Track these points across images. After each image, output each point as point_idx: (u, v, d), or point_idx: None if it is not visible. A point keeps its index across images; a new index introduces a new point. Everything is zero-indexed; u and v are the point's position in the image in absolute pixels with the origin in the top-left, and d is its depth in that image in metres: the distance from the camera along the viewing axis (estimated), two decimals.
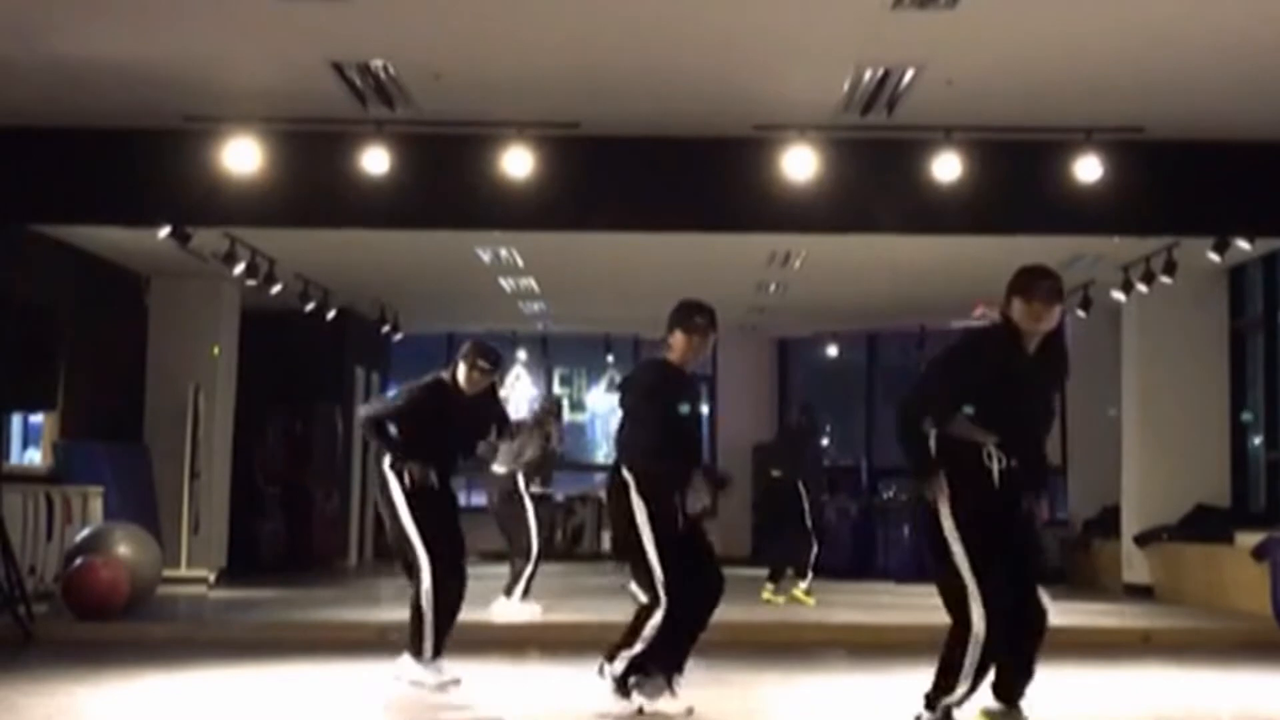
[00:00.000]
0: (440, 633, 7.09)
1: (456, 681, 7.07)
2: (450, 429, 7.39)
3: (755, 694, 7.39)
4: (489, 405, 7.85)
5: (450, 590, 7.11)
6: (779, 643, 9.70)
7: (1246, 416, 13.57)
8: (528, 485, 11.02)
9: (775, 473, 12.89)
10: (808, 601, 12.07)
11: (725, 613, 11.23)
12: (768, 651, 9.20)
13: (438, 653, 7.09)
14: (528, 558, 10.74)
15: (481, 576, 11.73)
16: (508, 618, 10.31)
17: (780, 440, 13.94)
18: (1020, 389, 5.62)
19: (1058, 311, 5.64)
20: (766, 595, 12.21)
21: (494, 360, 7.51)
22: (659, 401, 6.48)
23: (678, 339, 6.49)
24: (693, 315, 6.51)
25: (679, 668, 6.37)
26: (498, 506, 10.97)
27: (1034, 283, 5.62)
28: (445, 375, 7.46)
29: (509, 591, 10.66)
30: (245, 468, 15.28)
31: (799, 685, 7.80)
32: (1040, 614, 5.64)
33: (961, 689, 5.52)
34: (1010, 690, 5.66)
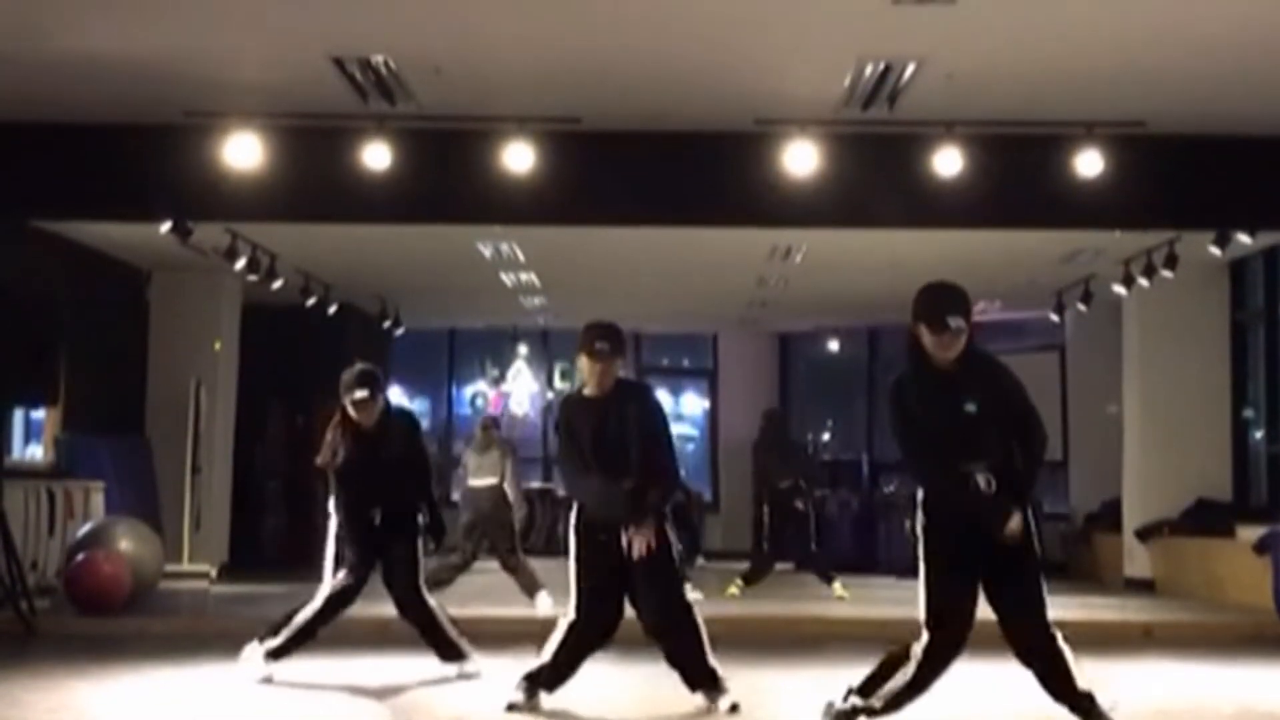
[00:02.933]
0: (291, 643, 7.39)
1: (269, 679, 7.30)
2: (365, 470, 7.29)
3: (757, 687, 7.38)
4: (399, 437, 7.44)
5: (325, 620, 7.41)
6: (780, 636, 9.71)
7: (1248, 413, 13.57)
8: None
9: (784, 483, 12.81)
10: (843, 595, 12.16)
11: (724, 607, 11.29)
12: (768, 645, 9.20)
13: (276, 655, 7.37)
14: (526, 564, 11.09)
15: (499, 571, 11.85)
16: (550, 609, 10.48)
17: (779, 446, 13.68)
18: (947, 416, 5.51)
19: (964, 337, 5.52)
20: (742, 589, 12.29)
21: (366, 383, 7.23)
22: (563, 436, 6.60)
23: (581, 363, 6.50)
24: (593, 340, 6.42)
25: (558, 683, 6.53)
26: (489, 514, 11.24)
27: (942, 317, 5.50)
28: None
29: (537, 589, 10.86)
30: (246, 462, 15.30)
31: (800, 678, 7.79)
32: (1032, 642, 5.61)
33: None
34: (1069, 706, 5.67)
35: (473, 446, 11.79)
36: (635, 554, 6.32)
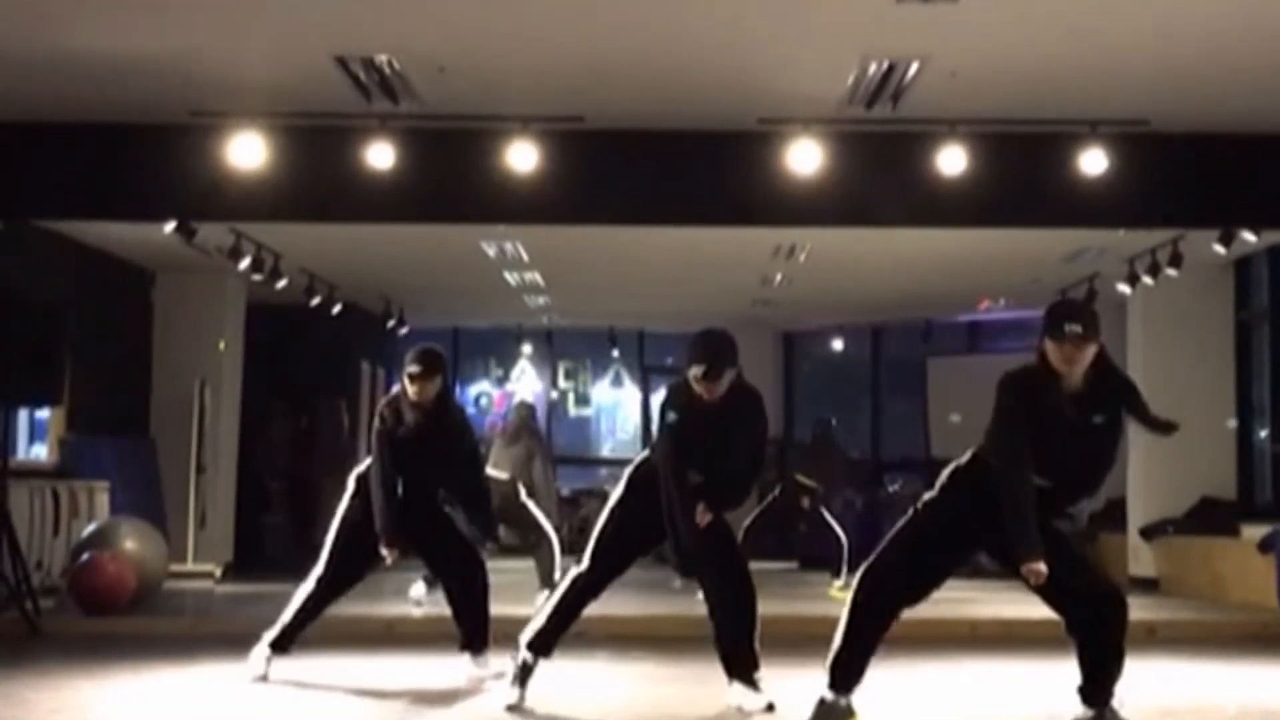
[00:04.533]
0: (287, 628, 7.37)
1: (263, 678, 7.28)
2: (409, 450, 7.26)
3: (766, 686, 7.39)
4: (443, 418, 7.38)
5: (320, 602, 7.38)
6: (785, 635, 9.68)
7: (1230, 423, 13.53)
8: (529, 493, 11.23)
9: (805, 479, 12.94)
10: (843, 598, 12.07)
11: None
12: (774, 644, 9.19)
13: (276, 646, 7.35)
14: (550, 546, 10.97)
15: (506, 571, 11.85)
16: None
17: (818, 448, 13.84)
18: (1057, 432, 5.45)
19: (1091, 350, 5.45)
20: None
21: (424, 361, 7.21)
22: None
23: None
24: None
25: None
26: (500, 508, 11.11)
27: (1060, 325, 5.44)
28: (397, 390, 7.42)
29: (549, 584, 10.80)
30: (251, 462, 15.31)
31: (805, 677, 7.79)
32: (1101, 614, 5.66)
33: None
34: (1091, 694, 5.71)
35: (504, 433, 11.50)
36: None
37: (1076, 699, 5.73)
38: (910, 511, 5.77)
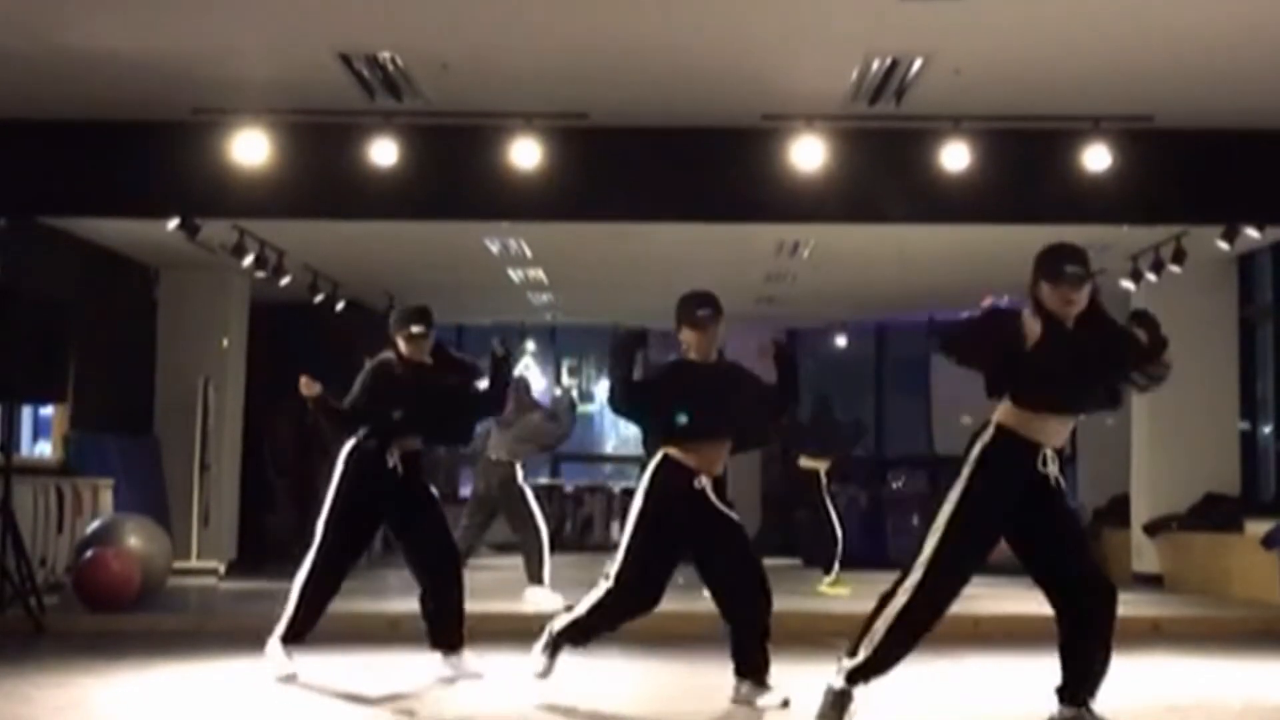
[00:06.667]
0: (297, 621, 7.28)
1: (292, 676, 7.18)
2: (410, 407, 7.25)
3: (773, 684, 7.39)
4: (451, 372, 7.48)
5: (322, 586, 7.31)
6: (789, 632, 9.68)
7: (1242, 425, 13.51)
8: (524, 471, 11.26)
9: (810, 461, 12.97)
10: (839, 592, 12.04)
11: None
12: (778, 640, 9.19)
13: (289, 639, 7.27)
14: (540, 540, 10.93)
15: (499, 568, 11.84)
16: (541, 605, 10.22)
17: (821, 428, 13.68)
18: (1064, 370, 5.36)
19: (1086, 292, 5.38)
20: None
21: (424, 319, 7.29)
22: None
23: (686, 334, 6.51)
24: (695, 309, 6.48)
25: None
26: (496, 493, 11.07)
27: (1060, 266, 5.36)
28: (389, 354, 7.42)
29: (538, 579, 10.78)
30: (255, 459, 15.31)
31: (808, 674, 7.79)
32: (1093, 607, 5.58)
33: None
34: (1073, 692, 5.57)
35: (500, 420, 11.18)
36: None
37: (1055, 699, 5.53)
38: (949, 510, 5.39)
